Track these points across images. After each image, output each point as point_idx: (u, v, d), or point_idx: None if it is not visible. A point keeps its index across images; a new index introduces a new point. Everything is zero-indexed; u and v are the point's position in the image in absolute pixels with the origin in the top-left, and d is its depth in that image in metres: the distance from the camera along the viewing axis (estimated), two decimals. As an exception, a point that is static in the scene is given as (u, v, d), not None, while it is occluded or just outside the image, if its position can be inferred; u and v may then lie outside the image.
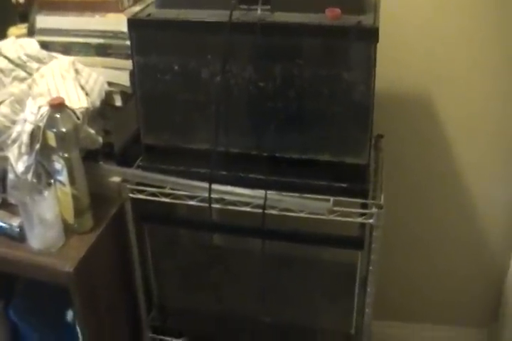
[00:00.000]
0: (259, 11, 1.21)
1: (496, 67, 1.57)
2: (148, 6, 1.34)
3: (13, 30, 1.53)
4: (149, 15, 1.27)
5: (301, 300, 1.54)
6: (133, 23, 1.26)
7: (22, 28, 1.52)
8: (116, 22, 1.36)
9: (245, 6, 1.24)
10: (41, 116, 1.25)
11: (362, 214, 1.27)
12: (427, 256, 1.90)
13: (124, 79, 1.39)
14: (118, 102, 1.43)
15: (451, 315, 2.01)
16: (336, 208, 1.24)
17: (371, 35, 1.17)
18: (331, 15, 1.21)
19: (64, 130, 1.23)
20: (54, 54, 1.42)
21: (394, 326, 2.03)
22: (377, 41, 1.18)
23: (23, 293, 1.54)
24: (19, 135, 1.27)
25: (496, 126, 1.63)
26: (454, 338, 2.02)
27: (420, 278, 1.94)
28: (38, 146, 1.26)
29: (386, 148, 1.53)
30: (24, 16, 1.53)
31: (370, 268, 1.32)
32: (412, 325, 2.05)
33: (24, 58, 1.40)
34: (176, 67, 1.27)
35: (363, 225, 1.30)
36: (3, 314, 1.53)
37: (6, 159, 1.30)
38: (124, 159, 1.42)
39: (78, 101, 1.30)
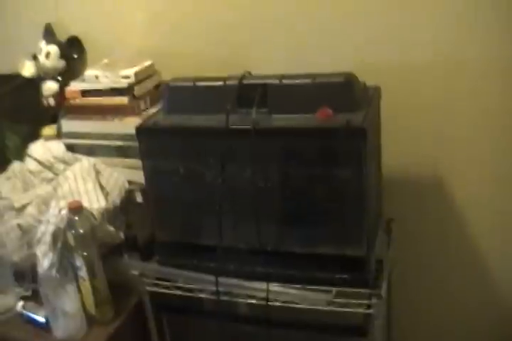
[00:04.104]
0: (253, 115, 1.28)
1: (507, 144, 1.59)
2: (158, 111, 1.47)
3: (45, 130, 1.68)
4: (156, 122, 1.38)
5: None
6: (140, 130, 1.38)
7: (53, 128, 1.68)
8: (133, 126, 1.41)
9: (244, 110, 1.32)
10: (62, 218, 1.39)
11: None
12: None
13: (143, 178, 1.46)
14: (139, 199, 1.55)
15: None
16: (335, 300, 1.29)
17: (359, 134, 1.23)
18: (321, 116, 1.29)
19: (81, 231, 1.36)
20: (78, 156, 1.57)
21: None
22: (365, 139, 1.23)
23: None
24: (43, 234, 1.41)
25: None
26: None
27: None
28: (59, 245, 1.39)
29: (400, 229, 1.58)
30: (55, 117, 1.69)
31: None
32: None
33: (52, 160, 1.56)
34: (182, 170, 1.36)
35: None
36: None
37: (35, 255, 1.43)
38: (148, 251, 1.51)
39: (97, 202, 1.44)
